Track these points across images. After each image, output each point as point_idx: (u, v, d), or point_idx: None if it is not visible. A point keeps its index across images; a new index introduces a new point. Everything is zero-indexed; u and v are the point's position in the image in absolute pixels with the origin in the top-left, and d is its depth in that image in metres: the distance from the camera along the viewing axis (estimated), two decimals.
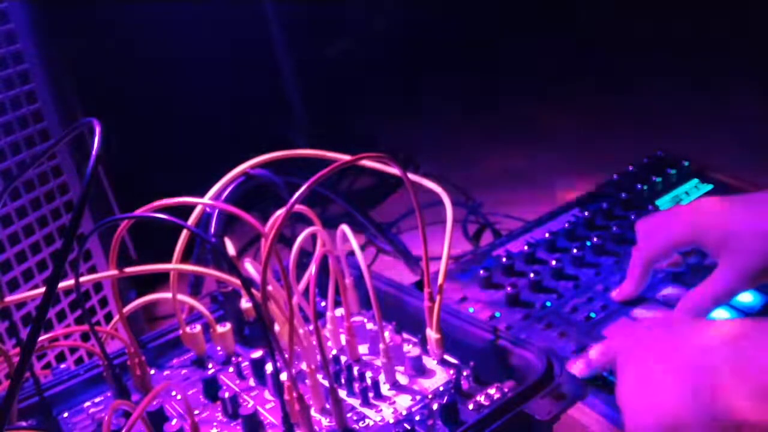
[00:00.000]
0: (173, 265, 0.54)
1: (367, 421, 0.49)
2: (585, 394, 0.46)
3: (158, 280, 0.91)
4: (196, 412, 0.53)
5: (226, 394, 0.52)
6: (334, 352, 0.57)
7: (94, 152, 0.37)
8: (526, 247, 0.76)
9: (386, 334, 0.55)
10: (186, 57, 1.20)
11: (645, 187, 0.85)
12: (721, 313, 0.62)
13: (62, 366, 0.58)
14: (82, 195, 0.37)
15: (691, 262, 0.69)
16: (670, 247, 0.63)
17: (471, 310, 0.68)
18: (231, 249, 0.60)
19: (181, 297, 0.58)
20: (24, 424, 0.50)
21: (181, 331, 0.59)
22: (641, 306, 0.65)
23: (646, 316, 0.64)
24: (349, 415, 0.50)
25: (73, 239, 0.37)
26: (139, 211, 0.47)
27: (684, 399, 0.42)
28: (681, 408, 0.42)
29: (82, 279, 0.49)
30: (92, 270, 0.82)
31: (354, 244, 0.55)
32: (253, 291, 0.43)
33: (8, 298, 0.50)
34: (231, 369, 0.58)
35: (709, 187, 0.86)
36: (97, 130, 0.38)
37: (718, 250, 0.59)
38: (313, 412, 0.49)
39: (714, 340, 0.43)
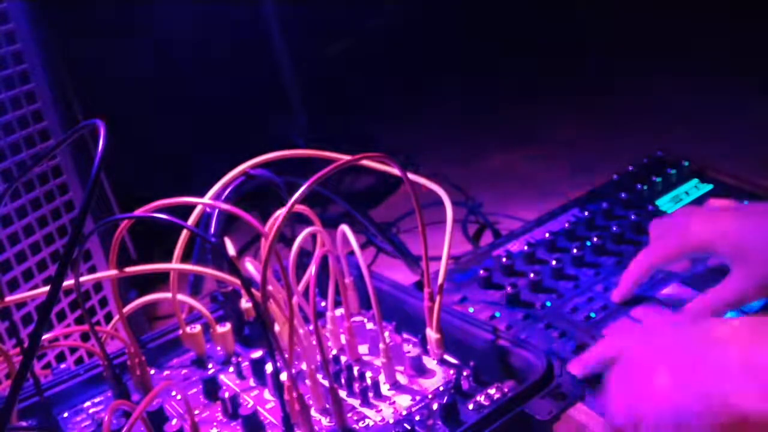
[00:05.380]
0: (173, 265, 0.54)
1: (367, 421, 0.50)
2: (585, 394, 0.46)
3: (158, 280, 0.91)
4: (196, 412, 0.53)
5: (226, 394, 0.52)
6: (334, 352, 0.57)
7: (98, 153, 0.37)
8: (526, 247, 0.76)
9: (386, 334, 0.55)
10: (186, 57, 1.20)
11: (645, 187, 0.85)
12: None
13: (62, 366, 0.58)
14: (87, 196, 0.37)
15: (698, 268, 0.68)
16: (686, 251, 0.62)
17: (471, 310, 0.68)
18: (231, 249, 0.60)
19: (181, 297, 0.58)
20: (24, 424, 0.50)
21: (181, 331, 0.59)
22: (641, 306, 0.65)
23: (647, 316, 0.64)
24: (349, 415, 0.50)
25: (77, 240, 0.37)
26: (139, 211, 0.47)
27: (691, 398, 0.42)
28: (686, 406, 0.42)
29: (82, 279, 0.49)
30: (92, 270, 0.82)
31: (354, 244, 0.55)
32: (253, 291, 0.43)
33: (8, 298, 0.50)
34: (231, 369, 0.58)
35: (709, 187, 0.85)
36: (102, 131, 0.38)
37: (734, 257, 0.58)
38: (313, 412, 0.49)
39: (721, 339, 0.43)
